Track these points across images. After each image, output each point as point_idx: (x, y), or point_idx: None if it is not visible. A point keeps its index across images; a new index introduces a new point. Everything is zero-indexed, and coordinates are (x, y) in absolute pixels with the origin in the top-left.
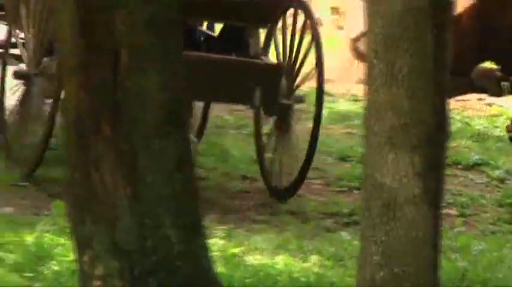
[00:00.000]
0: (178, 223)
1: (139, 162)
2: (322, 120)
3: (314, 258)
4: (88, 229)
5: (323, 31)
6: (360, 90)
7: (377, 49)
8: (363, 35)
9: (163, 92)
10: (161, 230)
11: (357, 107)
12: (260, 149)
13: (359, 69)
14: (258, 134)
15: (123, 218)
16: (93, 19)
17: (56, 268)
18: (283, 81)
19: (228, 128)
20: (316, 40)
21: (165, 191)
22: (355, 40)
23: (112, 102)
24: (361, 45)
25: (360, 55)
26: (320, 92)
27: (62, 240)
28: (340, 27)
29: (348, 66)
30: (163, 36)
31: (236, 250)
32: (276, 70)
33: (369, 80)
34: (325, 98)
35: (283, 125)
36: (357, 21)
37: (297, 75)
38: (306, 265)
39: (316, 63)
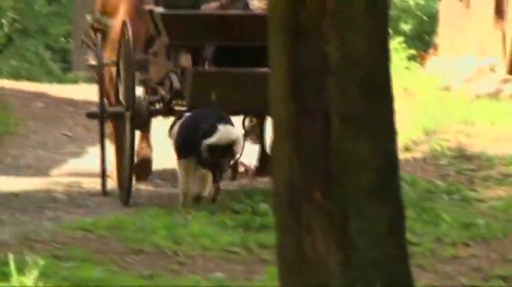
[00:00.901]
0: None
1: (351, 226)
2: None
3: None
4: None
5: None
6: None
7: None
8: None
9: (375, 157)
10: None
11: None
12: None
13: None
14: None
15: (334, 283)
16: (305, 84)
17: None
18: None
19: (439, 193)
20: None
21: (377, 255)
22: None
23: (324, 168)
24: None
25: None
26: None
27: None
28: None
29: None
30: (374, 101)
31: None
32: None
33: None
34: None
35: None
36: None
37: None
38: None
39: None
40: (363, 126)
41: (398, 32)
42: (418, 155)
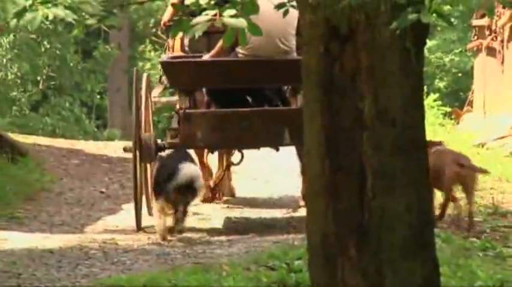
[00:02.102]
0: None
1: (385, 283)
2: None
3: None
4: None
5: None
6: None
7: None
8: None
9: (409, 214)
10: None
11: None
12: None
13: None
14: None
15: None
16: (339, 140)
17: None
18: None
19: (474, 250)
20: None
21: None
22: None
23: (358, 224)
24: None
25: None
26: None
27: None
28: None
29: None
30: (409, 158)
31: None
32: None
33: None
34: None
35: None
36: None
37: None
38: None
39: None
40: (397, 183)
41: (433, 89)
42: (452, 212)
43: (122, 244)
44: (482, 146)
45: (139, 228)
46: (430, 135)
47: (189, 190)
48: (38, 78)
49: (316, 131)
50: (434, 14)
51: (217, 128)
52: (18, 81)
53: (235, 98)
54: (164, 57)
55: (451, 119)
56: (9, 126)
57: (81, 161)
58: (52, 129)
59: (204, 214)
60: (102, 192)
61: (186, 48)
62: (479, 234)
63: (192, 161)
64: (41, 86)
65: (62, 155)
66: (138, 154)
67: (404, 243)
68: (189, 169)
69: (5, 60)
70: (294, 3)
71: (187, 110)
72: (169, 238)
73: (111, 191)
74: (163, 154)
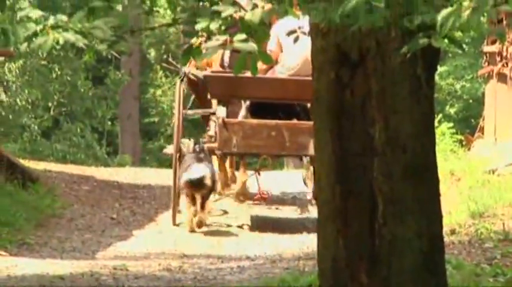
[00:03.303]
0: None
1: None
2: None
3: None
4: None
5: None
6: None
7: None
8: None
9: (420, 240)
10: None
11: None
12: None
13: None
14: None
15: None
16: (350, 165)
17: None
18: None
19: (485, 276)
20: None
21: None
22: None
23: (369, 250)
24: None
25: None
26: None
27: None
28: None
29: None
30: (419, 183)
31: None
32: None
33: None
34: None
35: None
36: None
37: None
38: None
39: None
40: (408, 209)
41: (444, 115)
42: (463, 238)
43: (132, 270)
44: (493, 173)
45: (174, 223)
46: (440, 162)
47: (199, 185)
48: (49, 104)
49: (327, 156)
50: (445, 39)
51: (250, 136)
52: (29, 107)
53: (269, 111)
54: (207, 71)
55: (462, 145)
56: (20, 152)
57: (92, 187)
58: (63, 155)
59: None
60: (112, 218)
61: (225, 64)
62: (489, 260)
63: (208, 161)
64: (52, 112)
65: (73, 181)
66: (177, 155)
67: (414, 269)
68: (199, 167)
69: (14, 86)
70: (305, 29)
71: (225, 119)
72: (197, 230)
73: (121, 217)
74: (188, 154)
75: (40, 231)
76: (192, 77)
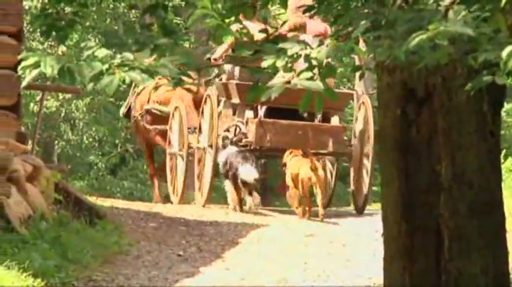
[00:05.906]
0: None
1: None
2: None
3: None
4: None
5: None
6: None
7: None
8: None
9: (485, 276)
10: None
11: None
12: None
13: None
14: None
15: None
16: (416, 202)
17: None
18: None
19: None
20: (367, 113)
21: None
22: None
23: (435, 286)
24: None
25: None
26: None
27: None
28: None
29: None
30: (486, 220)
31: None
32: (342, 129)
33: None
34: None
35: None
36: None
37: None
38: None
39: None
40: (474, 245)
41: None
42: None
43: None
44: None
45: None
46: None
47: (247, 184)
48: (116, 141)
49: (393, 193)
50: (509, 76)
51: (281, 133)
52: (96, 144)
53: (295, 114)
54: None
55: None
56: (87, 189)
57: (159, 224)
58: (130, 192)
59: None
60: (179, 255)
61: (236, 78)
62: None
63: (254, 162)
64: (118, 149)
65: (139, 218)
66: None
67: None
68: (251, 168)
69: (81, 123)
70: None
71: (262, 119)
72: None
73: (188, 254)
74: (231, 151)
75: (107, 268)
76: (155, 111)
